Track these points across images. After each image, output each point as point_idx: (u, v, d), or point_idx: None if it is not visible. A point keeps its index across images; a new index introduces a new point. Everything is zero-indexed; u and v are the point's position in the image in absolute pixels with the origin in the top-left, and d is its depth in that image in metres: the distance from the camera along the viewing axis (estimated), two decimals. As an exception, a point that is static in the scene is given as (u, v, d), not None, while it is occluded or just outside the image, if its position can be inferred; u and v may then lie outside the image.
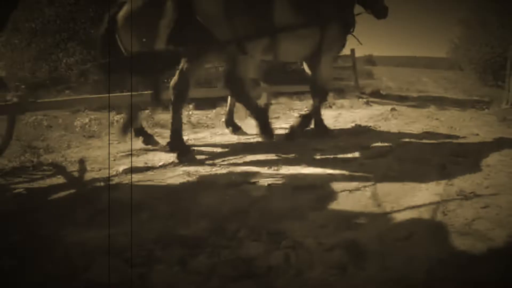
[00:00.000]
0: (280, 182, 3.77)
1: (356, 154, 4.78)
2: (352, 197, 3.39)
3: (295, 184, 3.68)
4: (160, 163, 4.40)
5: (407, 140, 5.66)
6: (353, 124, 6.91)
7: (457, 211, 3.00)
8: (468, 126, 7.21)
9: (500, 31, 15.55)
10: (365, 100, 11.69)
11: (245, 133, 5.95)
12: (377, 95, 13.61)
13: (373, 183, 3.70)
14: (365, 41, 5.60)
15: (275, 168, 4.22)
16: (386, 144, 5.30)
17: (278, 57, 4.62)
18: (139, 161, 4.55)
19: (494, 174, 3.98)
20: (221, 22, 3.91)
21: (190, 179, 3.88)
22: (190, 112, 7.79)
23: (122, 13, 4.42)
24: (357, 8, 5.43)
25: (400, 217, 2.93)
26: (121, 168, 4.17)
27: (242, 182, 3.76)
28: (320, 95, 5.37)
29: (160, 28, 3.83)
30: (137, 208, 3.04)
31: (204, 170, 4.16)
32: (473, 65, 19.81)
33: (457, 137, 6.03)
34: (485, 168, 4.22)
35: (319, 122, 5.55)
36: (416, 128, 6.74)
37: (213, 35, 3.91)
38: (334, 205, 3.23)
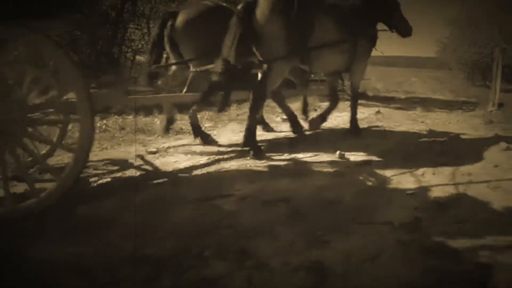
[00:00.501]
0: (252, 194, 3.64)
1: (335, 164, 4.66)
2: (325, 211, 3.28)
3: (267, 197, 3.55)
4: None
5: (388, 147, 5.56)
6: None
7: (430, 227, 2.90)
8: (453, 128, 7.17)
9: (487, 31, 15.52)
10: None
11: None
12: (364, 97, 13.51)
13: (348, 195, 3.59)
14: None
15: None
16: (366, 153, 5.17)
17: (312, 66, 5.33)
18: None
19: (474, 186, 3.89)
20: (278, 38, 4.60)
21: (162, 193, 3.74)
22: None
23: (180, 23, 4.99)
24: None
25: (371, 234, 2.83)
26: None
27: (216, 196, 3.61)
28: (354, 98, 6.19)
29: (226, 41, 4.52)
30: (107, 224, 2.94)
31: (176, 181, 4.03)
32: (461, 65, 19.88)
33: (441, 141, 5.98)
34: (466, 177, 4.15)
35: (354, 122, 6.29)
36: (398, 135, 6.65)
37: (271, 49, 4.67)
38: (305, 220, 3.11)
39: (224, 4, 5.34)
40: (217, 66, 4.49)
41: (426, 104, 12.00)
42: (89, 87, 3.14)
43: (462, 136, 6.45)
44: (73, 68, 2.99)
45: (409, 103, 12.30)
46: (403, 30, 6.16)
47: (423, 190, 3.71)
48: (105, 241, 2.69)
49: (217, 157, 4.91)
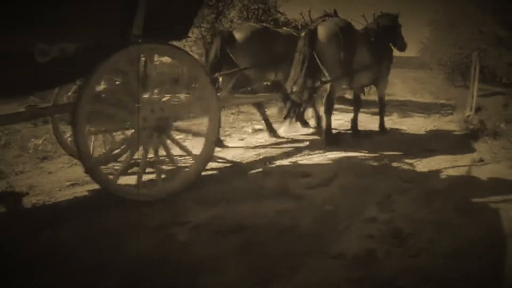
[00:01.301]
0: (208, 222, 3.48)
1: (297, 183, 4.50)
2: (280, 240, 3.14)
3: (223, 225, 3.39)
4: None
5: (357, 161, 5.45)
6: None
7: (384, 261, 2.79)
8: (427, 139, 7.12)
9: (468, 32, 15.55)
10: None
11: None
12: (342, 101, 13.38)
13: (306, 221, 3.47)
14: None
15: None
16: (331, 170, 5.03)
17: (353, 83, 6.56)
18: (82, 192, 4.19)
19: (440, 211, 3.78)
20: (333, 60, 5.94)
21: (122, 218, 3.56)
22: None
23: (240, 39, 6.24)
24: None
25: (321, 269, 2.70)
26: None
27: (171, 223, 3.45)
28: (382, 106, 7.69)
29: (295, 59, 5.94)
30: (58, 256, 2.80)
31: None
32: (441, 66, 19.95)
33: (411, 156, 5.90)
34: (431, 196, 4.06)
35: (381, 125, 7.60)
36: (370, 145, 6.56)
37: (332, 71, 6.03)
38: (257, 252, 2.97)
39: (269, 26, 6.99)
40: (289, 84, 5.99)
41: (404, 108, 11.96)
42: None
43: (435, 148, 6.39)
44: (207, 78, 4.19)
45: (387, 107, 12.22)
46: (401, 46, 7.61)
47: (384, 215, 3.60)
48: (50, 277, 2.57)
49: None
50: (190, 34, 11.61)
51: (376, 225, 3.38)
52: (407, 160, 5.47)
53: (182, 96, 4.20)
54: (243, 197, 4.01)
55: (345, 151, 5.89)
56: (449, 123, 9.27)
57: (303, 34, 6.02)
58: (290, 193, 4.12)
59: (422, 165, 5.31)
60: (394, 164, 5.31)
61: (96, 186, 3.83)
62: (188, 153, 4.22)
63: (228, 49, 6.15)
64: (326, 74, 6.07)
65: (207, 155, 4.22)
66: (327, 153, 5.79)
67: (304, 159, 5.53)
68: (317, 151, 5.92)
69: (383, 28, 7.04)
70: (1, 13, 2.84)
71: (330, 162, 5.38)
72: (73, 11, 3.18)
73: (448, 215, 3.61)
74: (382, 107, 7.72)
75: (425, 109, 12.22)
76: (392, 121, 9.27)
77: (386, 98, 8.37)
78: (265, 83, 6.65)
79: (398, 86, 20.71)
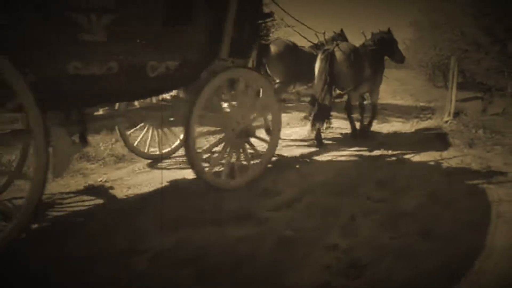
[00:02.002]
0: (167, 250, 3.37)
1: (262, 203, 4.40)
2: (236, 270, 3.05)
3: (181, 254, 3.28)
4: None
5: (325, 178, 5.38)
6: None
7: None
8: (401, 148, 7.10)
9: (449, 33, 15.59)
10: (304, 114, 11.04)
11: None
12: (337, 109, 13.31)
13: (265, 249, 3.38)
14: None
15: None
16: (299, 188, 4.94)
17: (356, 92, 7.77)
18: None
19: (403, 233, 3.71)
20: (345, 75, 7.17)
21: (82, 244, 3.44)
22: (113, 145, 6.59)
23: (274, 52, 7.57)
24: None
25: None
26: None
27: (131, 251, 3.31)
28: (374, 111, 8.50)
29: (317, 78, 7.10)
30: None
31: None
32: (422, 67, 20.03)
33: (382, 168, 5.86)
34: (398, 218, 4.00)
35: (368, 127, 8.37)
36: (343, 158, 6.51)
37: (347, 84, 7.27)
38: (215, 283, 2.89)
39: (294, 43, 8.13)
40: (312, 94, 7.33)
41: (384, 112, 11.93)
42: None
43: (409, 159, 6.37)
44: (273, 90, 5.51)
45: (367, 111, 12.19)
46: (399, 59, 8.70)
47: (346, 241, 3.52)
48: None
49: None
50: None
51: (335, 253, 3.30)
52: (377, 176, 5.44)
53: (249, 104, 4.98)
54: (206, 220, 3.89)
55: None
56: (426, 129, 9.24)
57: (323, 56, 7.13)
58: (254, 216, 4.02)
59: (392, 180, 5.28)
60: (365, 180, 5.27)
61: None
62: (256, 150, 5.16)
63: (264, 59, 7.53)
64: (342, 87, 7.35)
65: (272, 151, 5.29)
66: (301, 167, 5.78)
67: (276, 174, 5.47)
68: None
69: (379, 44, 8.08)
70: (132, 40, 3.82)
71: (300, 177, 5.33)
72: (177, 37, 4.19)
73: (412, 241, 3.55)
74: (374, 113, 8.56)
75: (405, 112, 12.25)
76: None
77: (366, 102, 8.49)
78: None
79: (380, 87, 20.76)
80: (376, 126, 9.45)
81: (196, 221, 3.88)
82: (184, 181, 5.09)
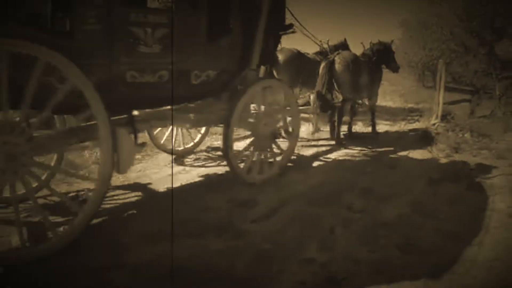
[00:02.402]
0: (147, 263, 3.32)
1: (240, 215, 4.34)
2: (215, 286, 3.02)
3: (159, 268, 3.21)
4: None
5: (308, 186, 5.34)
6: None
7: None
8: (385, 155, 7.07)
9: (438, 34, 15.60)
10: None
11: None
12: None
13: (241, 264, 3.33)
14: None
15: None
16: (281, 197, 4.90)
17: (357, 97, 8.56)
18: None
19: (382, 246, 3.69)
20: (346, 84, 7.86)
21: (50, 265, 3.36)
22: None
23: (282, 60, 8.27)
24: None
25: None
26: None
27: (111, 265, 3.24)
28: (373, 112, 9.18)
29: (318, 83, 7.75)
30: None
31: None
32: (411, 68, 20.04)
33: (365, 173, 5.85)
34: (378, 230, 3.97)
35: (373, 128, 9.24)
36: (323, 168, 6.47)
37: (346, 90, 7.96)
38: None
39: (299, 50, 8.70)
40: (314, 97, 7.79)
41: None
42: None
43: (393, 166, 6.36)
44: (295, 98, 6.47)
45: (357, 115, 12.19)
46: (394, 68, 9.40)
47: (323, 255, 3.48)
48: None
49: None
50: None
51: (312, 268, 3.27)
52: (361, 183, 5.43)
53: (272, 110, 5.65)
54: (186, 233, 3.83)
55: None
56: (413, 136, 9.24)
57: (324, 64, 7.79)
58: (233, 229, 3.98)
59: (377, 187, 5.27)
60: (348, 188, 5.26)
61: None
62: (282, 149, 5.83)
63: (274, 67, 7.94)
64: (342, 92, 7.98)
65: (293, 149, 5.99)
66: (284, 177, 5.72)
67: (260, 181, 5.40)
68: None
69: (377, 53, 8.76)
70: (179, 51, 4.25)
71: (282, 186, 5.29)
72: (216, 49, 4.80)
73: (391, 254, 3.52)
74: (373, 115, 9.23)
75: (393, 114, 12.25)
76: (357, 131, 9.23)
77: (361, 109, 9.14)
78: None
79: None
80: (364, 129, 9.49)
81: (176, 233, 3.83)
82: (164, 193, 5.03)
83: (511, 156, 7.00)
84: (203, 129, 6.82)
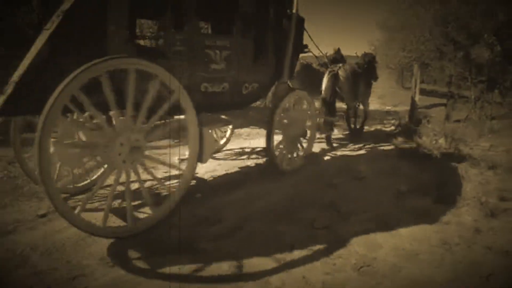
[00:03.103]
0: None
1: (201, 233, 4.29)
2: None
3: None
4: None
5: (273, 201, 5.29)
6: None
7: None
8: (358, 164, 7.09)
9: (417, 35, 15.68)
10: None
11: None
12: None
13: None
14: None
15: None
16: (244, 214, 4.86)
17: (354, 102, 9.82)
18: None
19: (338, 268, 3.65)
20: (348, 92, 9.13)
21: None
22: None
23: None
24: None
25: None
26: None
27: None
28: (365, 116, 10.42)
29: (324, 90, 8.84)
30: None
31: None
32: (390, 69, 20.16)
33: (337, 179, 5.82)
34: (337, 248, 3.94)
35: (361, 129, 10.39)
36: (297, 177, 6.45)
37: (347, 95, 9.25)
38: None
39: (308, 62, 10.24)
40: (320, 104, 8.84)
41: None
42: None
43: (364, 175, 6.37)
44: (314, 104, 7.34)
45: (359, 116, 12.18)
46: (376, 78, 10.67)
47: (279, 278, 3.44)
48: None
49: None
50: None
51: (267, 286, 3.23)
52: (328, 197, 5.42)
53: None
54: (144, 255, 3.81)
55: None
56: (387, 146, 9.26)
57: (329, 76, 8.88)
58: (192, 248, 3.95)
59: (343, 201, 5.28)
60: (315, 202, 5.25)
61: None
62: (303, 146, 7.08)
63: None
64: (344, 99, 9.43)
65: (311, 146, 7.32)
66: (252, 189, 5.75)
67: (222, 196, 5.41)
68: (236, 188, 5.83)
69: (368, 63, 10.10)
70: (236, 68, 5.59)
71: (245, 201, 5.25)
72: (259, 67, 6.06)
73: (347, 276, 3.50)
74: (365, 118, 10.44)
75: (370, 118, 12.27)
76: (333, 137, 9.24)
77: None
78: None
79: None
80: (337, 137, 9.51)
81: (132, 255, 3.82)
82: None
83: (483, 164, 7.01)
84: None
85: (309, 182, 6.11)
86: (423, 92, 11.54)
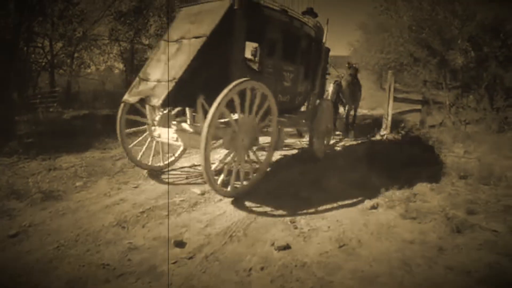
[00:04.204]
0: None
1: (164, 255, 4.23)
2: None
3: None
4: None
5: (235, 220, 5.25)
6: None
7: None
8: (324, 175, 7.11)
9: (395, 37, 15.77)
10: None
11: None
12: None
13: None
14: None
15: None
16: (206, 234, 4.84)
17: (353, 105, 12.22)
18: None
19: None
20: (348, 97, 11.79)
21: None
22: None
23: None
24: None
25: None
26: None
27: None
28: (355, 114, 12.38)
29: (331, 93, 11.43)
30: None
31: None
32: (368, 70, 20.30)
33: (303, 193, 5.84)
34: (295, 274, 3.90)
35: (354, 122, 12.38)
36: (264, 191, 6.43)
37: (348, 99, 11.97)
38: None
39: None
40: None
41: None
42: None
43: (328, 191, 6.40)
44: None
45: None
46: (360, 85, 12.52)
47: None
48: None
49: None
50: (111, 50, 14.75)
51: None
52: (290, 218, 5.34)
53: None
54: (103, 277, 3.78)
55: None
56: (359, 152, 9.31)
57: (334, 85, 11.44)
58: (154, 270, 3.93)
59: (307, 218, 5.28)
60: (277, 220, 5.23)
61: None
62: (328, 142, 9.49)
63: None
64: (345, 102, 11.82)
65: (330, 138, 9.70)
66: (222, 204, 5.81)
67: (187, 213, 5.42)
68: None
69: (355, 73, 12.15)
70: (296, 85, 7.78)
71: (209, 221, 5.20)
72: (304, 83, 8.09)
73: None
74: (355, 116, 12.36)
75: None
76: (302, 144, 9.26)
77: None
78: None
79: (326, 91, 21.00)
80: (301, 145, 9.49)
81: (95, 277, 3.80)
82: (97, 226, 4.92)
83: (455, 174, 7.04)
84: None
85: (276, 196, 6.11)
86: (397, 99, 11.59)
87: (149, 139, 6.98)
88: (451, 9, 10.81)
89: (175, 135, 6.35)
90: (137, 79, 6.26)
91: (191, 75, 5.48)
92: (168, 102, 5.39)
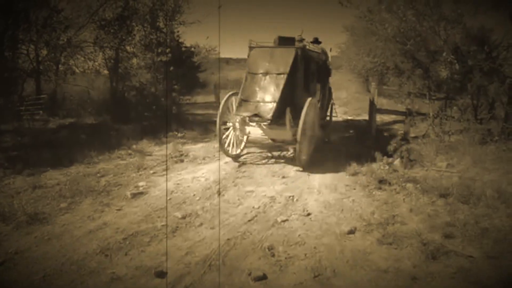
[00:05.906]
0: None
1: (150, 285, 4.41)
2: None
3: None
4: None
5: (212, 250, 5.37)
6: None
7: None
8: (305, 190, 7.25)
9: (382, 41, 15.89)
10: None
11: None
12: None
13: None
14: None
15: None
16: (183, 266, 4.94)
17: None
18: None
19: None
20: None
21: None
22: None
23: None
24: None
25: None
26: None
27: None
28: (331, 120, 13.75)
29: None
30: None
31: None
32: (355, 74, 20.38)
33: (281, 217, 5.97)
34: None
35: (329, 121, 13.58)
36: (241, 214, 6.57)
37: None
38: None
39: None
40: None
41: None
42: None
43: (307, 214, 6.50)
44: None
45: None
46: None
47: None
48: None
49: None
50: (96, 57, 14.71)
51: None
52: (269, 239, 5.51)
53: None
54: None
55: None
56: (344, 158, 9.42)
57: None
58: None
59: (284, 245, 5.39)
60: (254, 247, 5.33)
61: None
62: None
63: None
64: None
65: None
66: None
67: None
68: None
69: None
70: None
71: (188, 250, 5.29)
72: (322, 94, 11.64)
73: None
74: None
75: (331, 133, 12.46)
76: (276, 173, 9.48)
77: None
78: None
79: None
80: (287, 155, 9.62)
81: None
82: (80, 254, 5.04)
83: (435, 191, 7.17)
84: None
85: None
86: (381, 110, 11.76)
87: (231, 135, 9.76)
88: (436, 20, 10.91)
89: (260, 131, 9.32)
90: (240, 100, 9.23)
91: (282, 98, 8.83)
92: (273, 115, 8.68)
